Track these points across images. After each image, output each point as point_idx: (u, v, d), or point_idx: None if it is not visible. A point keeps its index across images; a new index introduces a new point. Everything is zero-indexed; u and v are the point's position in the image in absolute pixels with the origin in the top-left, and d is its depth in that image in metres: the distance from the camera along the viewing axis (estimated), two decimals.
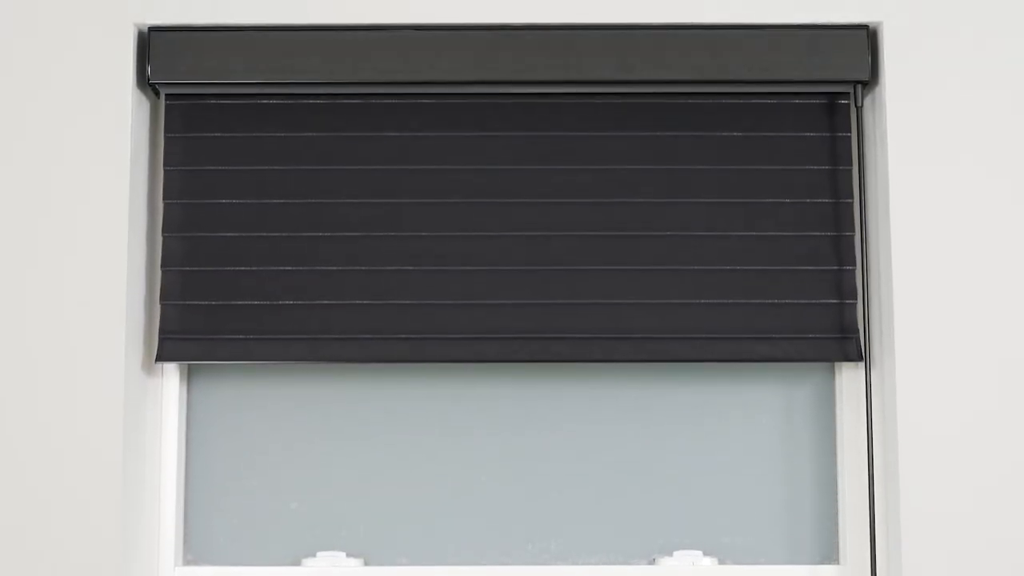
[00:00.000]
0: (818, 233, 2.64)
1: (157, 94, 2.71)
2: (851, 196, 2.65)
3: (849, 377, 2.67)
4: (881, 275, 2.62)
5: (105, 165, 2.57)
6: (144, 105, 2.67)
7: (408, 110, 2.68)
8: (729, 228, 2.64)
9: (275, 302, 2.62)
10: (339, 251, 2.64)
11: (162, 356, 2.62)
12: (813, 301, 2.62)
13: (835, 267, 2.63)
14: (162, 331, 2.63)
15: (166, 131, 2.67)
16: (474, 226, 2.65)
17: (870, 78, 2.62)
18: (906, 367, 2.53)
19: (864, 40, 2.62)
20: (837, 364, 2.69)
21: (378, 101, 2.68)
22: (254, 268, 2.64)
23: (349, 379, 2.71)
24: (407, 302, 2.62)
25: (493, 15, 2.61)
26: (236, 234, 2.64)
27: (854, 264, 2.64)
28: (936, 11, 2.61)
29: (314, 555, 2.66)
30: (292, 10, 2.62)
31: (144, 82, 2.65)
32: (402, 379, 2.71)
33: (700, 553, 2.65)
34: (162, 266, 2.65)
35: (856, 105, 2.64)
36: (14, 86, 2.59)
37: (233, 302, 2.63)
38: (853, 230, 2.65)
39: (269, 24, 2.62)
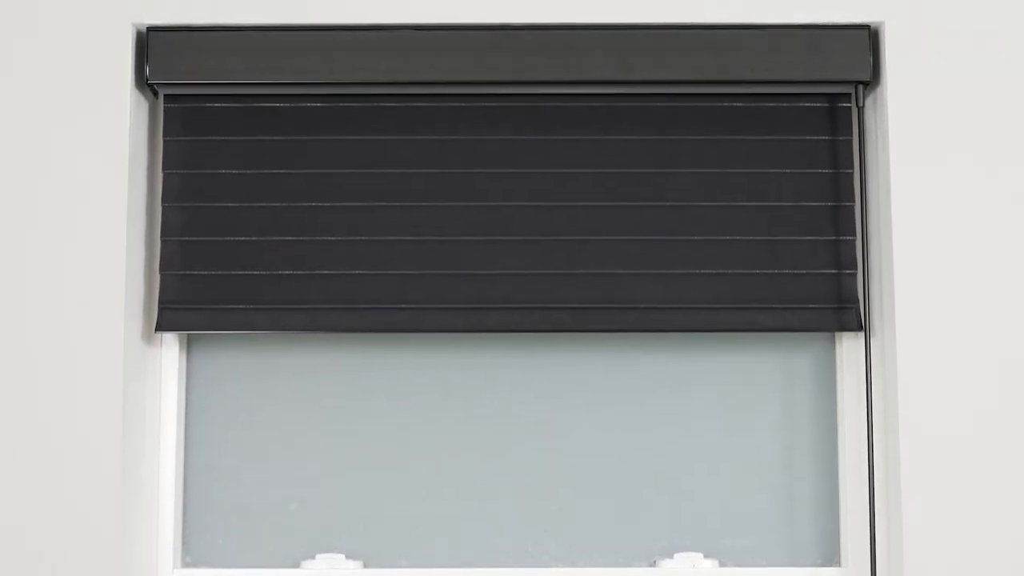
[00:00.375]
0: (817, 203, 2.64)
1: (156, 94, 2.70)
2: (851, 166, 2.65)
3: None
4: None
5: (104, 165, 2.56)
6: (143, 105, 2.66)
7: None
8: (729, 198, 2.64)
9: (275, 272, 2.62)
10: (339, 221, 2.64)
11: (162, 326, 2.62)
12: (812, 271, 2.62)
13: (834, 237, 2.63)
14: (162, 301, 2.63)
15: (165, 102, 2.68)
16: (474, 196, 2.64)
17: (871, 78, 2.62)
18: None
19: (866, 40, 2.61)
20: (837, 334, 2.69)
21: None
22: (254, 238, 2.64)
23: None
24: (407, 272, 2.62)
25: (493, 15, 2.61)
26: (236, 204, 2.64)
27: (853, 234, 2.63)
28: (938, 11, 2.60)
29: (313, 557, 2.65)
30: (291, 10, 2.61)
31: (143, 82, 2.64)
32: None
33: (701, 556, 2.64)
34: (162, 236, 2.65)
35: (857, 105, 2.64)
36: (13, 85, 2.58)
37: (233, 272, 2.63)
38: (853, 200, 2.64)
39: (268, 24, 2.61)
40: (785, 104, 2.66)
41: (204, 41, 2.61)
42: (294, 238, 2.63)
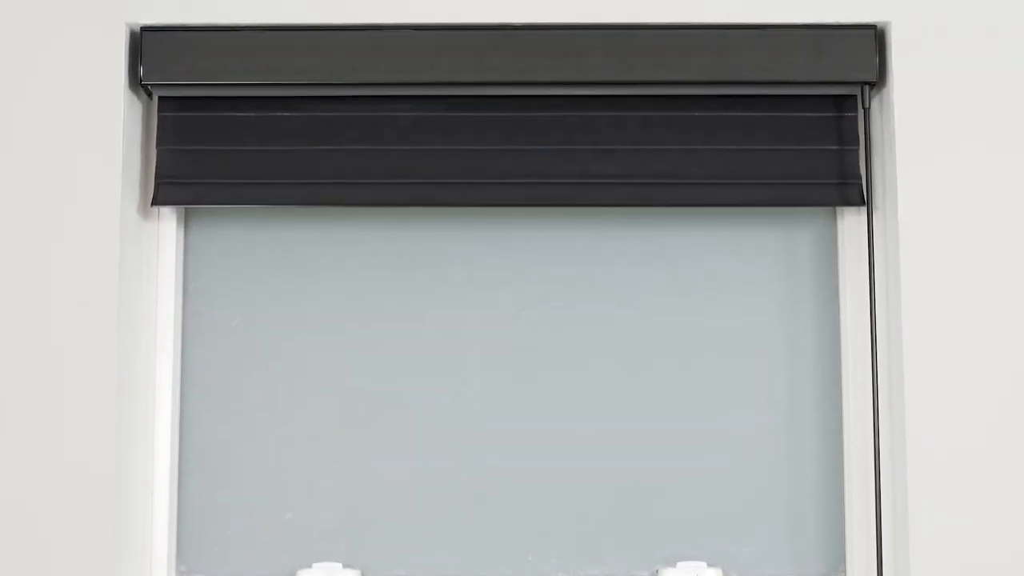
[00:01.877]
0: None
1: (150, 95, 2.67)
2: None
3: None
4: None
5: (97, 167, 2.54)
6: (136, 107, 2.64)
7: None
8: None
9: (274, 147, 2.62)
10: (338, 94, 2.62)
11: (158, 200, 2.61)
12: (814, 147, 2.62)
13: (836, 114, 2.62)
14: (158, 175, 2.62)
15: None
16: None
17: (878, 79, 2.60)
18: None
19: (872, 40, 2.59)
20: (839, 210, 2.69)
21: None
22: (252, 113, 2.63)
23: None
24: (407, 147, 2.62)
25: (493, 15, 2.60)
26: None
27: (855, 111, 2.63)
28: (945, 11, 2.59)
29: (310, 566, 2.63)
30: (288, 10, 2.59)
31: (136, 83, 2.62)
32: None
33: (704, 564, 2.62)
34: (159, 111, 2.64)
35: (863, 107, 2.61)
36: (4, 86, 2.56)
37: (231, 147, 2.62)
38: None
39: (265, 24, 2.59)
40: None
41: (199, 41, 2.59)
42: (292, 113, 2.62)
